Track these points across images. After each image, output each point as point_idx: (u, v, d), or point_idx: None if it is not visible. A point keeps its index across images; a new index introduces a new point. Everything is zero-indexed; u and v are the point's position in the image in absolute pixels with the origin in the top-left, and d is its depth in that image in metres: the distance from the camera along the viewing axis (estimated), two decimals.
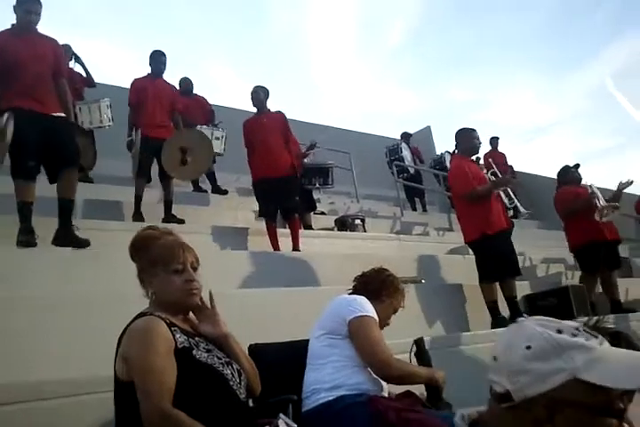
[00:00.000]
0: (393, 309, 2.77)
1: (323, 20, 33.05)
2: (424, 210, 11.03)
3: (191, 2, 30.38)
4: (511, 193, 5.46)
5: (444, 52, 34.02)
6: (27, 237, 4.01)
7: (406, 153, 10.88)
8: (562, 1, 29.01)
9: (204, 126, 7.47)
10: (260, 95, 6.13)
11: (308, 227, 6.98)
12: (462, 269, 5.87)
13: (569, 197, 6.21)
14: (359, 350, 2.47)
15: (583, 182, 6.37)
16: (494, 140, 11.47)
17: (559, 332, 0.97)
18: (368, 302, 2.60)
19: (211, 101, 8.55)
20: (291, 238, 5.85)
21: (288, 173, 5.95)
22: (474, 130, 5.34)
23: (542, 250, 7.74)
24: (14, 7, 4.24)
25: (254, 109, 6.25)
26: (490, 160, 5.96)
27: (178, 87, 7.91)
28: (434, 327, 4.91)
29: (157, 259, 1.95)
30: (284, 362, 2.63)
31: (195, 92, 8.27)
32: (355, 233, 7.26)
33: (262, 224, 6.07)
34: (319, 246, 6.29)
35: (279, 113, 6.18)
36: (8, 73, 4.15)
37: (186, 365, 1.78)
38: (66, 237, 4.13)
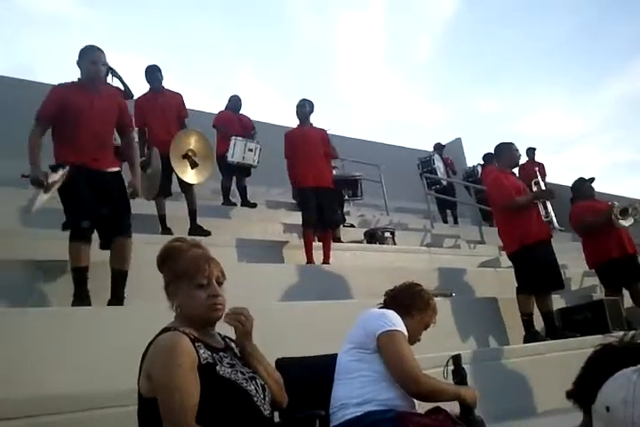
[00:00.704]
0: (424, 324, 2.71)
1: (351, 33, 33.34)
2: (455, 222, 10.92)
3: (221, 17, 30.85)
4: (549, 206, 5.37)
5: (472, 64, 34.00)
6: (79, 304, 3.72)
7: (439, 164, 10.86)
8: (588, 14, 28.80)
9: (239, 137, 7.58)
10: (305, 108, 6.29)
11: (337, 239, 6.95)
12: (494, 283, 5.80)
13: (585, 213, 6.09)
14: (387, 366, 2.42)
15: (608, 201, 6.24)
16: (531, 151, 11.39)
17: None
18: (398, 317, 2.55)
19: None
20: (322, 251, 5.85)
21: (332, 186, 6.16)
22: (512, 143, 5.41)
23: (576, 263, 7.57)
24: (77, 62, 4.05)
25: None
26: (536, 169, 5.98)
27: (227, 103, 8.34)
28: (466, 342, 4.84)
29: (183, 272, 1.93)
30: (311, 377, 2.59)
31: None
32: (384, 246, 7.21)
33: (291, 237, 6.04)
34: (349, 259, 6.26)
35: (322, 129, 6.35)
36: (67, 128, 3.95)
37: (209, 381, 1.76)
38: None
